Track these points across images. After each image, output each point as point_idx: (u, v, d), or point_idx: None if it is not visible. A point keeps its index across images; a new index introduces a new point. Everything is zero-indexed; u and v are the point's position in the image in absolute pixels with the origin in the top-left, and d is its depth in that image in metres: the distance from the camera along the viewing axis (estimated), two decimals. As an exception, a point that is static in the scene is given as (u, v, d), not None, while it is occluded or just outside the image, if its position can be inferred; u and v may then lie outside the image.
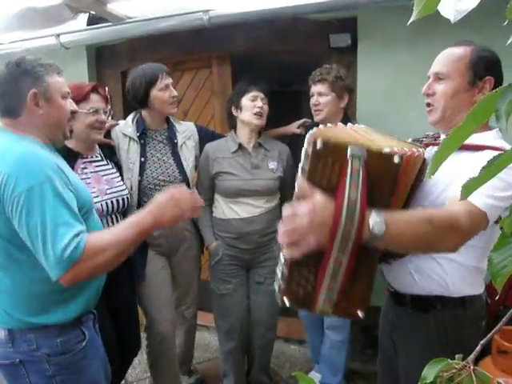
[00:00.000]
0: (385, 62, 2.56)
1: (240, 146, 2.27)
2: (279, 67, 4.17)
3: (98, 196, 1.89)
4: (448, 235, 1.00)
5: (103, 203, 1.92)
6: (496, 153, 1.07)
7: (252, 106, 2.22)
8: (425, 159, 1.10)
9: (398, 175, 0.93)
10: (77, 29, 2.88)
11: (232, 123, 2.36)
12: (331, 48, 2.66)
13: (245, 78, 2.35)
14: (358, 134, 1.08)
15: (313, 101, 2.24)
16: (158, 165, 2.21)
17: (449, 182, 1.18)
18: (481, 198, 1.05)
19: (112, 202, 1.96)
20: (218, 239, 2.33)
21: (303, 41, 2.79)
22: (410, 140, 1.29)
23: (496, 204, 1.07)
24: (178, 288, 2.43)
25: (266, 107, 2.26)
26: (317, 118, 2.26)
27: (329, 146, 0.92)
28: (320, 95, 2.21)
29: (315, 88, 2.22)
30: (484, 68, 1.21)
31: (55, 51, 2.98)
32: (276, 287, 1.03)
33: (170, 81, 2.19)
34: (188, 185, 2.26)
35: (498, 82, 1.23)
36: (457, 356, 0.63)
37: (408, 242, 0.97)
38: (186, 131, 2.34)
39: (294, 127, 2.53)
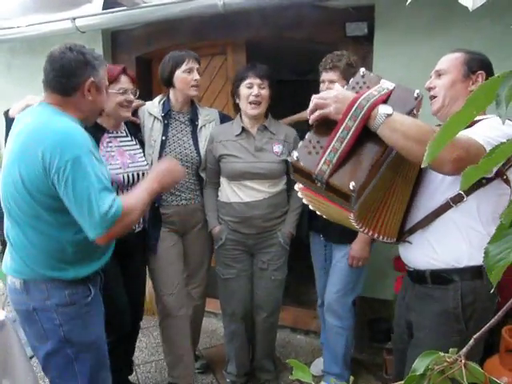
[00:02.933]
0: (402, 52, 2.50)
1: (244, 129, 2.26)
2: (295, 56, 4.13)
3: (120, 168, 2.05)
4: (447, 144, 1.15)
5: (124, 175, 2.05)
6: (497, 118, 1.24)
7: (248, 95, 2.20)
8: None
9: (414, 105, 1.24)
10: (92, 13, 2.88)
11: (236, 107, 2.35)
12: (347, 37, 2.61)
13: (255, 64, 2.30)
14: None
15: (323, 88, 2.18)
16: (178, 144, 2.30)
17: None
18: (480, 136, 1.19)
19: (133, 174, 2.09)
20: (221, 223, 2.34)
21: (319, 29, 2.74)
22: None
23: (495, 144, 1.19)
24: (188, 267, 2.48)
25: (264, 92, 2.22)
26: None
27: (367, 75, 1.33)
28: (331, 83, 2.14)
29: (326, 75, 2.16)
30: (476, 65, 1.45)
31: (71, 35, 3.00)
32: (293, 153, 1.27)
33: (196, 65, 2.26)
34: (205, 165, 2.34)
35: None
36: (450, 350, 0.61)
37: (407, 133, 1.14)
38: (209, 115, 2.40)
39: (307, 113, 2.50)
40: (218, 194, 2.38)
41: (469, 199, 1.33)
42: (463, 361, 0.55)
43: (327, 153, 1.19)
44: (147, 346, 3.01)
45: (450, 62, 1.48)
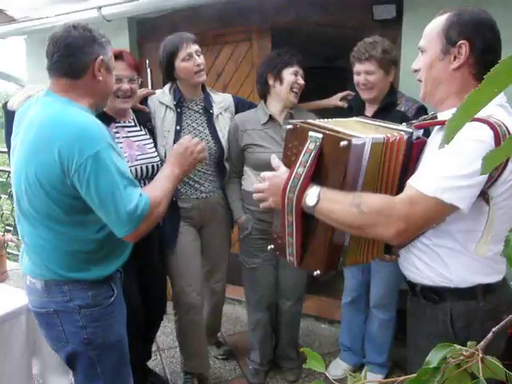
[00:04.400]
0: (432, 36, 2.40)
1: (270, 118, 2.21)
2: (322, 41, 4.05)
3: (128, 161, 1.91)
4: (380, 222, 1.03)
5: (132, 169, 1.93)
6: (473, 122, 1.00)
7: (293, 82, 2.14)
8: (412, 142, 1.14)
9: (346, 159, 1.03)
10: (118, 1, 2.89)
11: (263, 91, 2.25)
12: (374, 20, 2.53)
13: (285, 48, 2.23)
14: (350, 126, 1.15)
15: (360, 80, 2.10)
16: (194, 134, 2.17)
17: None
18: (429, 183, 1.01)
19: (142, 168, 1.98)
20: (247, 213, 2.31)
21: (345, 12, 2.67)
22: (404, 124, 1.23)
23: (456, 184, 0.99)
24: (209, 261, 2.45)
25: (303, 84, 2.19)
26: (367, 97, 2.15)
27: (297, 128, 1.14)
28: (368, 74, 2.07)
29: (362, 67, 2.07)
30: (457, 32, 1.12)
31: (97, 24, 3.01)
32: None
33: (193, 49, 2.10)
34: (222, 155, 2.25)
35: (483, 44, 1.12)
36: (469, 343, 0.59)
37: (337, 221, 1.07)
38: (223, 102, 2.31)
39: (336, 100, 2.43)
40: (242, 183, 2.34)
41: (447, 220, 1.12)
42: (480, 355, 0.52)
43: (287, 247, 1.18)
44: (172, 332, 3.04)
45: (428, 35, 1.19)
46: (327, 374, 2.80)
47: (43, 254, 1.43)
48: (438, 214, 1.04)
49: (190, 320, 2.32)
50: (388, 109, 2.11)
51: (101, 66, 1.40)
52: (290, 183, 1.09)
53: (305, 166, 1.07)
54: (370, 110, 2.19)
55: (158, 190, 1.46)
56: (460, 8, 1.15)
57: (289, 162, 1.16)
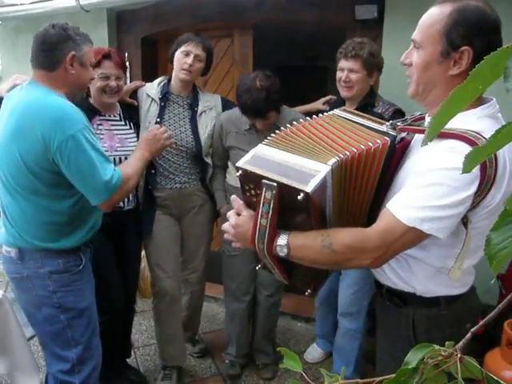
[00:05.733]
0: (412, 37, 2.42)
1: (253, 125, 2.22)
2: (303, 40, 4.05)
3: (107, 151, 2.01)
4: (354, 256, 1.03)
5: (111, 158, 1.99)
6: (459, 143, 0.93)
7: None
8: (395, 145, 1.08)
9: (308, 206, 0.97)
10: (96, -9, 2.84)
11: None
12: (356, 20, 2.54)
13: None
14: (312, 142, 1.05)
15: (342, 77, 2.12)
16: (174, 127, 2.25)
17: (406, 176, 1.08)
18: (409, 212, 0.97)
19: (120, 158, 2.07)
20: (229, 203, 2.30)
21: (327, 11, 2.67)
22: (388, 124, 1.13)
23: (437, 215, 0.95)
24: (184, 252, 2.47)
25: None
26: (345, 95, 2.18)
27: (247, 175, 1.02)
28: (351, 71, 2.10)
29: (346, 64, 2.10)
30: (461, 36, 0.98)
31: (75, 14, 2.95)
32: None
33: (195, 51, 2.17)
34: (200, 150, 2.28)
35: (486, 50, 1.02)
36: (447, 343, 0.58)
37: (314, 263, 1.07)
38: (210, 102, 2.35)
39: (319, 104, 2.49)
40: (226, 175, 2.38)
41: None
42: (459, 355, 0.52)
43: (274, 272, 1.18)
44: (147, 329, 3.02)
45: (426, 30, 1.03)
46: (305, 358, 2.77)
47: (20, 224, 1.61)
48: (414, 242, 1.02)
49: (164, 307, 2.35)
50: (365, 109, 2.12)
51: (73, 61, 1.59)
52: (256, 235, 1.05)
53: (267, 218, 1.01)
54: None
55: (129, 167, 1.74)
56: (463, 1, 1.01)
57: (249, 201, 1.10)
